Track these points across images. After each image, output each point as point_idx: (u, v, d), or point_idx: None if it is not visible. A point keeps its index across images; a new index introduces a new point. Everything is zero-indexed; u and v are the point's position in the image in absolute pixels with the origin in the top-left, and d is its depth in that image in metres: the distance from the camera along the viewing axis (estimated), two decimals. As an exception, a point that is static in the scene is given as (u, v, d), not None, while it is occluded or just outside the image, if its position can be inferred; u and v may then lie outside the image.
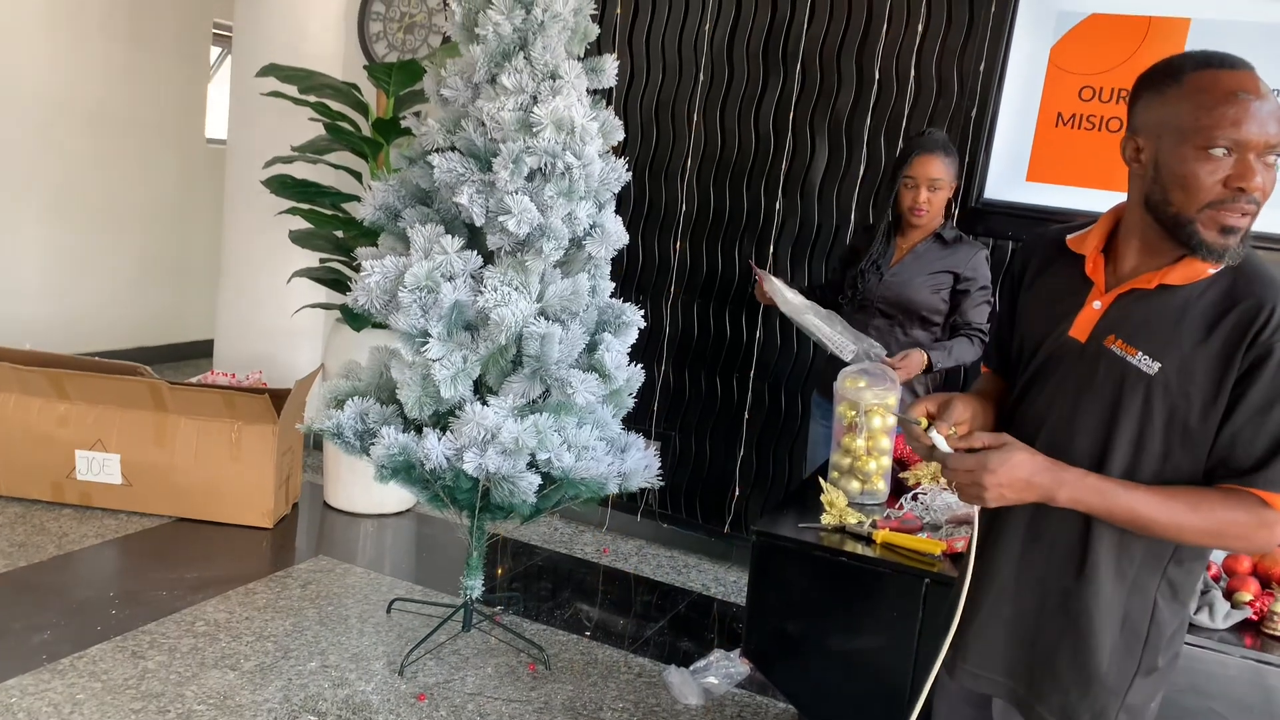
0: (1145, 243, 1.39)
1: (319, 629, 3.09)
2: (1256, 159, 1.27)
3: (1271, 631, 1.85)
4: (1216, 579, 1.98)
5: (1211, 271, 1.33)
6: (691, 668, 3.03)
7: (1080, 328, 1.42)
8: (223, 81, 6.27)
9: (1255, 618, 1.89)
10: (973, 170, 3.40)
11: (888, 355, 2.72)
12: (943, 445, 1.37)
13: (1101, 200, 3.21)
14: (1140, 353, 1.35)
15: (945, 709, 1.64)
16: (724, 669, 3.03)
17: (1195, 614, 1.85)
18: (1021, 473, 1.32)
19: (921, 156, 2.79)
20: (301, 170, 4.07)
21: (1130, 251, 1.41)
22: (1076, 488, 1.32)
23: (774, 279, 2.85)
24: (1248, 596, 1.91)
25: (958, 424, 1.42)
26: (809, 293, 2.98)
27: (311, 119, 3.98)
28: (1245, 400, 1.29)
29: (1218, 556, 2.09)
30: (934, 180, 2.79)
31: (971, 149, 3.42)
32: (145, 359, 4.55)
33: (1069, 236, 1.49)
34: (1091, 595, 1.40)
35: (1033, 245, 1.58)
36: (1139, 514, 1.31)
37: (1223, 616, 1.85)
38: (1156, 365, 1.33)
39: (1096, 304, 1.41)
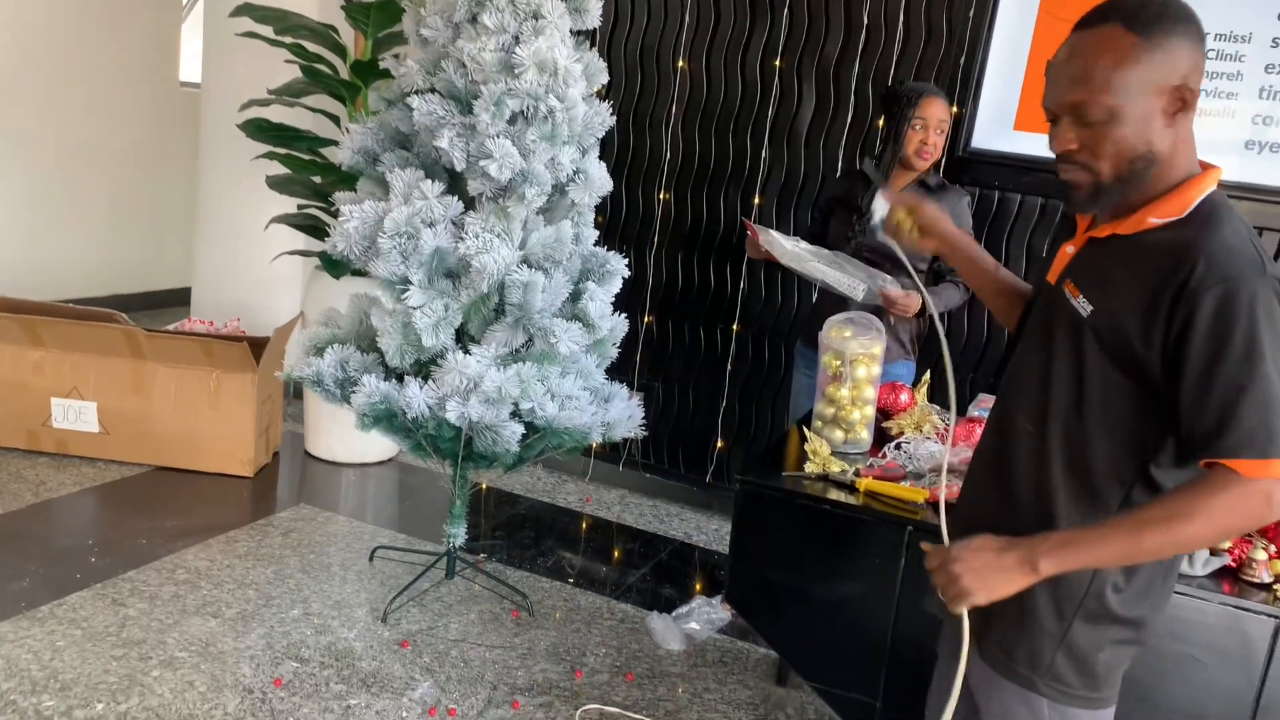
0: None
1: (301, 577, 3.09)
2: (1065, 122, 1.30)
3: (1250, 578, 1.88)
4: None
5: (1154, 221, 1.29)
6: (674, 614, 3.06)
7: (1054, 271, 1.45)
8: (196, 22, 6.11)
9: (1234, 565, 1.91)
10: (960, 119, 3.37)
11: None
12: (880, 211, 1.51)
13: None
14: (1081, 295, 1.35)
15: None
16: (705, 615, 3.05)
17: (1175, 561, 1.86)
18: (990, 548, 1.30)
19: (930, 98, 2.79)
20: (278, 114, 3.99)
21: None
22: (1051, 546, 1.26)
23: (770, 231, 2.80)
24: (1227, 544, 1.92)
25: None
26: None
27: (288, 61, 3.88)
28: (1188, 363, 1.22)
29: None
30: (941, 122, 2.80)
31: (959, 97, 3.38)
32: (121, 307, 4.47)
33: None
34: (1032, 533, 1.36)
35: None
36: (1123, 548, 1.25)
37: (1202, 564, 1.87)
38: (1090, 308, 1.32)
39: (1070, 249, 1.44)
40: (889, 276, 2.72)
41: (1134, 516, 1.25)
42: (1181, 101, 1.26)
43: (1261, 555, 1.89)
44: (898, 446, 2.36)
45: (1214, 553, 1.90)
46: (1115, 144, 1.27)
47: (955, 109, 3.26)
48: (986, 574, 1.28)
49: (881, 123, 3.34)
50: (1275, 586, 1.86)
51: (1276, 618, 1.78)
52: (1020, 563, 1.27)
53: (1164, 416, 1.28)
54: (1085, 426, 1.34)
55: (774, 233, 2.78)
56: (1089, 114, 1.26)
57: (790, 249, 2.73)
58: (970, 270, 1.72)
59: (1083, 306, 1.33)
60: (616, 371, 3.42)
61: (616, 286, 2.89)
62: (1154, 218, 1.29)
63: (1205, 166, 1.33)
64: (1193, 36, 1.25)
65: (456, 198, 2.71)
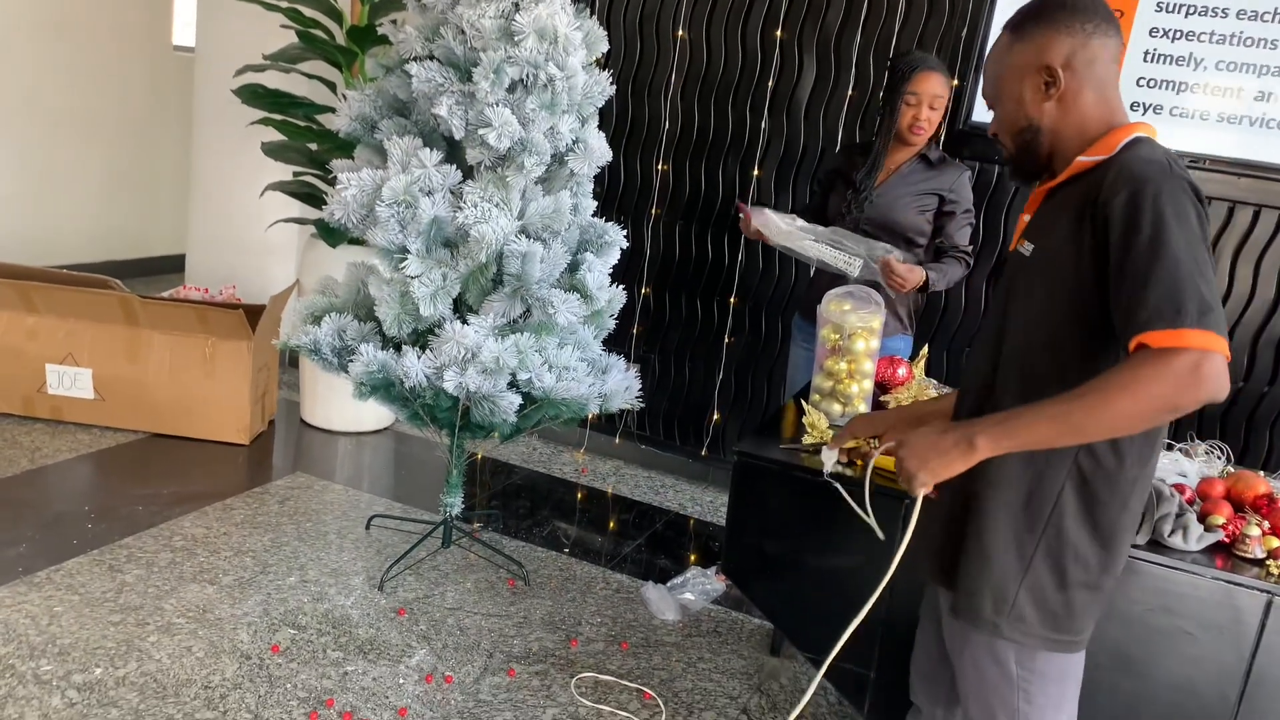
0: (1052, 164, 1.56)
1: (298, 544, 3.10)
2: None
3: (1243, 553, 1.89)
4: (1191, 502, 2.00)
5: (1085, 160, 1.43)
6: (668, 584, 3.08)
7: (1014, 241, 1.58)
8: (189, -15, 6.03)
9: (1227, 540, 1.93)
10: (961, 92, 3.35)
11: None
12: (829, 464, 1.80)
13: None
14: (1026, 242, 1.51)
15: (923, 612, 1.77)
16: (700, 585, 3.07)
17: (1169, 536, 1.88)
18: (929, 436, 1.39)
19: (924, 73, 2.73)
20: (274, 80, 3.95)
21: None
22: (987, 424, 1.34)
23: (765, 210, 2.77)
24: (1221, 520, 1.94)
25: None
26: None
27: (284, 26, 3.84)
28: (1110, 263, 1.32)
29: (1193, 481, 2.12)
30: (936, 97, 2.74)
31: (961, 70, 3.36)
32: (115, 273, 4.44)
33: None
34: (992, 480, 1.46)
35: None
36: (1058, 426, 1.29)
37: (1195, 539, 1.88)
38: (1032, 247, 1.48)
39: (1026, 217, 1.57)
40: (889, 246, 2.70)
41: (1066, 396, 1.29)
42: (1048, 82, 1.46)
43: (1255, 531, 1.90)
44: (895, 420, 2.36)
45: (1208, 528, 1.92)
46: (1004, 124, 1.53)
47: (956, 82, 3.24)
48: (928, 456, 1.38)
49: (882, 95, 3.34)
50: (1268, 562, 1.87)
51: (1268, 593, 1.80)
52: (958, 442, 1.36)
53: (1101, 337, 1.37)
54: (1037, 367, 1.43)
55: (769, 212, 2.75)
56: (989, 100, 1.55)
57: (785, 228, 2.71)
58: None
59: (1026, 250, 1.50)
60: (614, 343, 3.42)
61: (614, 257, 2.88)
62: (1083, 157, 1.44)
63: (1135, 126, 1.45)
64: (1062, 26, 1.45)
65: (455, 166, 2.69)
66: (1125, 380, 1.24)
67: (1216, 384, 1.22)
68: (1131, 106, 3.15)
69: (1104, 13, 1.46)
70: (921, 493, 1.43)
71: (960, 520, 1.52)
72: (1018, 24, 1.50)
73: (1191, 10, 3.07)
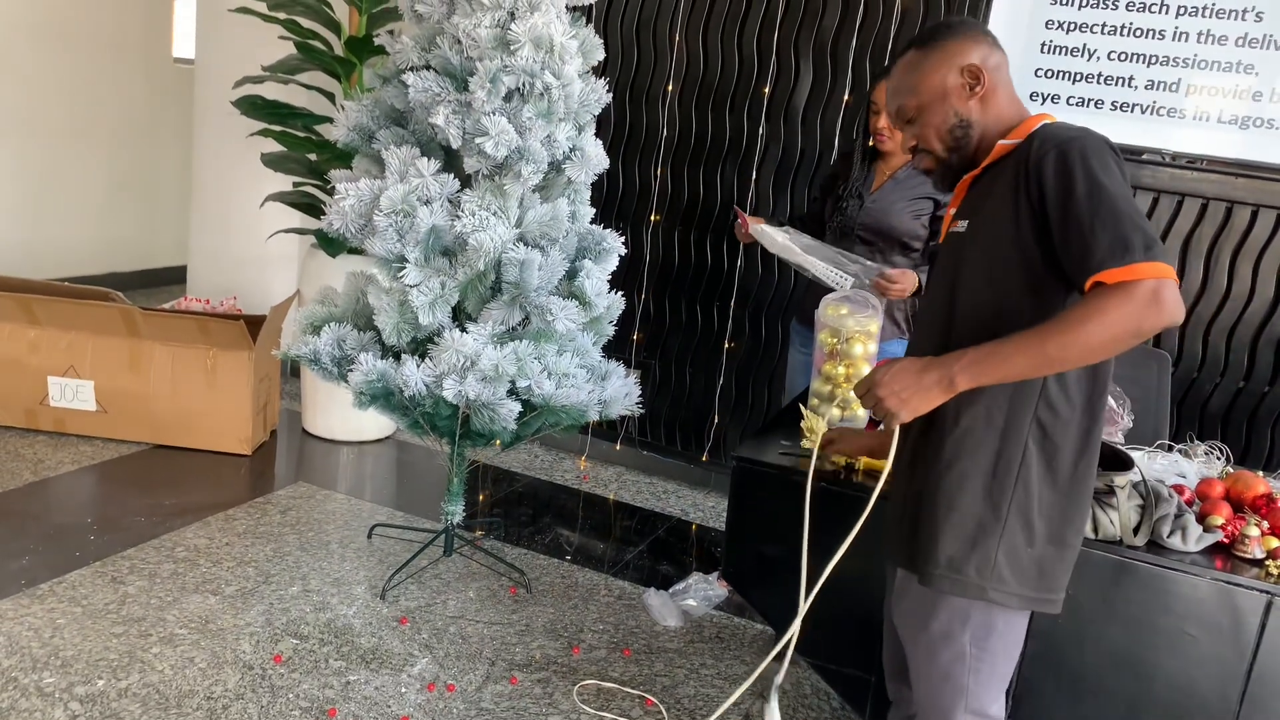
0: (975, 157, 1.64)
1: (300, 554, 3.10)
2: (899, 127, 1.69)
3: (1242, 554, 1.89)
4: (1190, 503, 2.00)
5: (1006, 143, 1.54)
6: (670, 590, 3.07)
7: (947, 227, 1.65)
8: (189, -2, 6.06)
9: (1226, 541, 1.92)
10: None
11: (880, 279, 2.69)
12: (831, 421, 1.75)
13: (1091, 121, 3.17)
14: (958, 221, 1.60)
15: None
16: (702, 591, 3.07)
17: (1168, 537, 1.88)
18: (910, 370, 1.46)
19: (882, 83, 2.71)
20: (272, 91, 3.96)
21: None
22: (966, 361, 1.41)
23: (760, 223, 2.77)
24: (1220, 520, 1.94)
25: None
26: (792, 225, 2.93)
27: (282, 37, 3.85)
28: (1050, 220, 1.41)
29: (1192, 481, 2.12)
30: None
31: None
32: (116, 285, 4.46)
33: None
34: (960, 440, 1.52)
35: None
36: (1029, 357, 1.38)
37: (1195, 539, 1.88)
38: (966, 223, 1.57)
39: (954, 210, 1.65)
40: (881, 267, 2.70)
41: (1037, 330, 1.38)
42: (971, 81, 1.57)
43: (1254, 531, 1.90)
44: (894, 424, 2.36)
45: (1207, 529, 1.92)
46: (933, 127, 1.60)
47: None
48: (907, 393, 1.45)
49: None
50: (1267, 562, 1.87)
51: (1268, 593, 1.80)
52: (939, 380, 1.43)
53: (1056, 296, 1.45)
54: (989, 325, 1.47)
55: (764, 225, 2.75)
56: (908, 114, 1.63)
57: (780, 241, 2.70)
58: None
59: (960, 228, 1.58)
60: (613, 349, 3.42)
61: (613, 264, 2.88)
62: (1004, 141, 1.55)
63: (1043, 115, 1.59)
64: (967, 36, 1.60)
65: (453, 175, 2.70)
66: (1091, 312, 1.34)
67: (1174, 307, 1.33)
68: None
69: (990, 33, 1.65)
70: (897, 425, 1.49)
71: (930, 496, 1.56)
72: (925, 40, 1.62)
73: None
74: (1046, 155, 1.43)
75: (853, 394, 2.36)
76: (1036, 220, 1.44)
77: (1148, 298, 1.32)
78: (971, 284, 1.54)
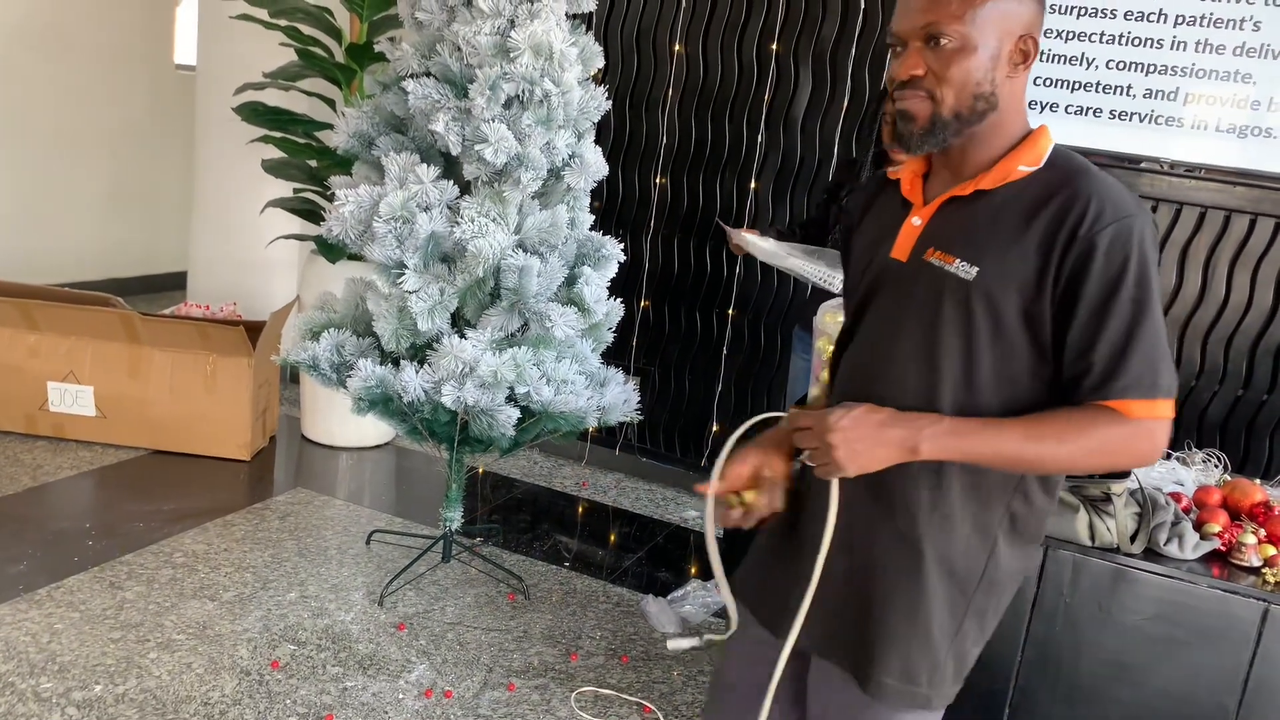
0: (948, 155, 1.33)
1: (298, 560, 3.10)
2: (914, 47, 1.27)
3: (1239, 562, 1.89)
4: (1187, 511, 2.00)
5: (1024, 169, 1.27)
6: (669, 597, 3.07)
7: (900, 247, 1.34)
8: (191, 4, 6.07)
9: (1223, 549, 1.93)
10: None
11: None
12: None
13: (1090, 130, 3.19)
14: (958, 260, 1.27)
15: (737, 665, 1.53)
16: (700, 599, 3.07)
17: (1165, 544, 1.88)
18: (871, 420, 1.23)
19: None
20: (273, 97, 3.97)
21: (941, 166, 1.36)
22: (938, 432, 1.22)
23: (743, 234, 2.77)
24: (1217, 528, 1.94)
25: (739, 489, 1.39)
26: (789, 233, 2.94)
27: (283, 44, 3.87)
28: (1081, 302, 1.20)
29: (1189, 489, 2.12)
30: None
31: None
32: (117, 291, 4.47)
33: (890, 169, 1.44)
34: (931, 535, 1.30)
35: (859, 189, 1.54)
36: (1006, 453, 1.22)
37: (1192, 547, 1.88)
38: (974, 270, 1.25)
39: (916, 220, 1.35)
40: None
41: (1027, 427, 1.22)
42: (1024, 53, 1.27)
43: (1251, 540, 1.90)
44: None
45: (1204, 537, 1.92)
46: (964, 73, 1.25)
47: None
48: (861, 445, 1.22)
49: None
50: (1264, 570, 1.87)
51: (1265, 601, 1.80)
52: (902, 441, 1.22)
53: (1050, 375, 1.26)
54: (977, 401, 1.27)
55: (747, 234, 2.74)
56: (942, 37, 1.24)
57: (767, 248, 2.70)
58: None
59: (964, 271, 1.26)
60: (612, 356, 3.43)
61: (612, 271, 2.89)
62: (1021, 165, 1.27)
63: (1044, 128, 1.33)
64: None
65: (452, 182, 2.71)
66: (1095, 437, 1.21)
67: (1163, 449, 1.24)
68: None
69: None
70: (837, 479, 1.25)
71: (887, 598, 1.32)
72: None
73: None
74: (1105, 228, 1.19)
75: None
76: (1060, 293, 1.22)
77: (1156, 439, 1.21)
78: (985, 353, 1.27)
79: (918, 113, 1.27)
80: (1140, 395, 1.19)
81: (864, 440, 1.22)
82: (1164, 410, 1.21)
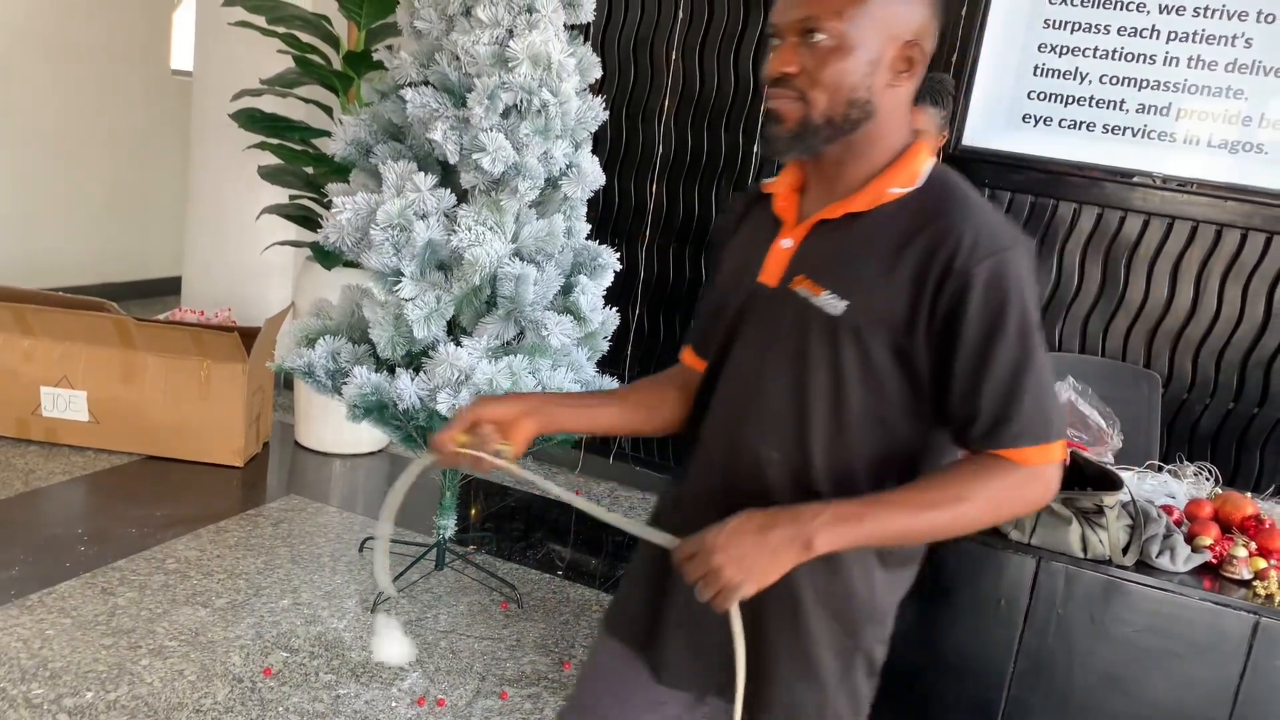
0: (821, 167, 1.24)
1: (291, 567, 3.10)
2: (790, 42, 1.17)
3: (1230, 575, 1.90)
4: (1179, 523, 2.01)
5: (896, 191, 1.18)
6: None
7: (770, 271, 1.25)
8: (188, 10, 6.08)
9: (1214, 561, 1.94)
10: (951, 117, 3.37)
11: None
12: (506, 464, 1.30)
13: (1083, 144, 3.21)
14: (826, 291, 1.18)
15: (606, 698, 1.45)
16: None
17: (1156, 557, 1.89)
18: (748, 529, 1.12)
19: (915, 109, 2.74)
20: (270, 104, 3.98)
21: (815, 180, 1.26)
22: (828, 518, 1.12)
23: None
24: (1208, 541, 1.95)
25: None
26: None
27: (280, 51, 3.87)
28: (961, 343, 1.13)
29: (1181, 502, 2.13)
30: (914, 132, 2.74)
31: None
32: (111, 296, 4.46)
33: (765, 181, 1.36)
34: (807, 576, 1.21)
35: (734, 201, 1.46)
36: (900, 528, 1.16)
37: (1183, 560, 1.89)
38: (843, 304, 1.17)
39: (786, 242, 1.25)
40: None
41: (917, 496, 1.15)
42: (909, 61, 1.18)
43: (1242, 552, 1.91)
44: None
45: (1195, 550, 1.93)
46: (838, 75, 1.15)
47: (944, 112, 3.27)
48: (750, 559, 1.11)
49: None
50: (1254, 583, 1.88)
51: (1255, 614, 1.81)
52: (791, 540, 1.11)
53: (929, 414, 1.20)
54: (848, 441, 1.21)
55: None
56: (818, 33, 1.14)
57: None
58: (589, 422, 1.51)
59: (831, 304, 1.18)
60: (608, 365, 3.43)
61: (608, 280, 2.90)
62: (893, 188, 1.18)
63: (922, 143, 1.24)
64: (936, 3, 1.20)
65: (449, 190, 2.71)
66: (987, 493, 1.15)
67: (1055, 491, 1.19)
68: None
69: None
70: (736, 601, 1.13)
71: (762, 635, 1.25)
72: None
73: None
74: (980, 262, 1.11)
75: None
76: (937, 330, 1.14)
77: (1050, 483, 1.17)
78: (855, 392, 1.19)
79: (787, 114, 1.18)
80: (1033, 442, 1.14)
81: (749, 553, 1.11)
82: (1056, 454, 1.16)
